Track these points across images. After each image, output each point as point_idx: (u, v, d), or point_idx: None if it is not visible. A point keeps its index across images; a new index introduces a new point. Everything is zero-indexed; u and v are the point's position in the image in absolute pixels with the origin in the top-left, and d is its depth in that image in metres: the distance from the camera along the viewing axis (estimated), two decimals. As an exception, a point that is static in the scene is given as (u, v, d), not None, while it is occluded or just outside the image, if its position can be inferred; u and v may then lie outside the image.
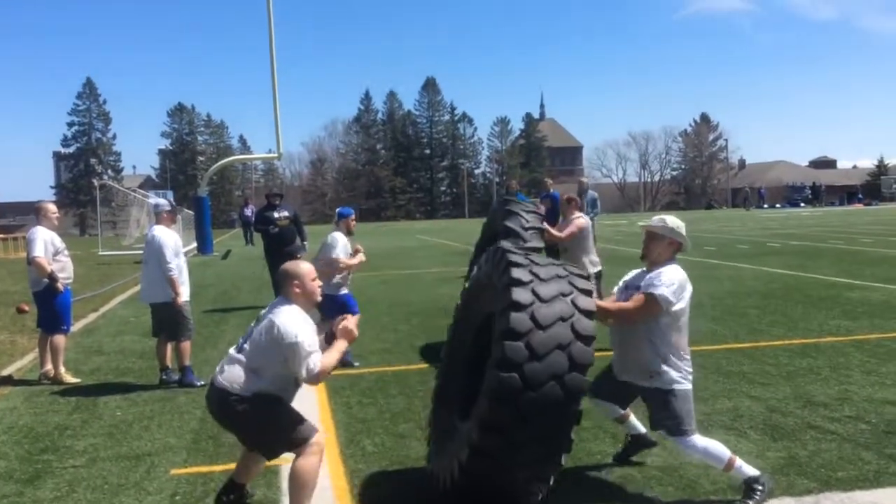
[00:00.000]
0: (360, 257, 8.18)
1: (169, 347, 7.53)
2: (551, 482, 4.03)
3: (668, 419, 4.35)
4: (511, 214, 8.32)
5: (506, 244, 4.50)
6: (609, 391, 4.72)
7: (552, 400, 3.75)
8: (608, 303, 4.59)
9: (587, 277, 4.12)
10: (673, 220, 4.57)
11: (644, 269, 4.60)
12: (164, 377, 7.46)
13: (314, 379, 4.04)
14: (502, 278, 4.03)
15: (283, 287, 4.23)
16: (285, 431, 4.06)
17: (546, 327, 3.80)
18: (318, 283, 4.31)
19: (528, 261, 4.08)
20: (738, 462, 4.31)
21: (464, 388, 4.50)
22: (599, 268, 8.73)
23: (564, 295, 3.92)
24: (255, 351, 4.08)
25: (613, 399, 4.75)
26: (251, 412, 4.02)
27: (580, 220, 8.76)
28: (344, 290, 8.11)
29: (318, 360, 4.00)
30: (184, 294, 7.45)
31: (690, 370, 4.47)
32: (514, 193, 16.19)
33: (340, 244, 8.09)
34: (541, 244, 8.29)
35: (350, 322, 4.26)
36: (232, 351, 4.22)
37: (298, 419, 4.14)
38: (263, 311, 4.24)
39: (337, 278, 8.02)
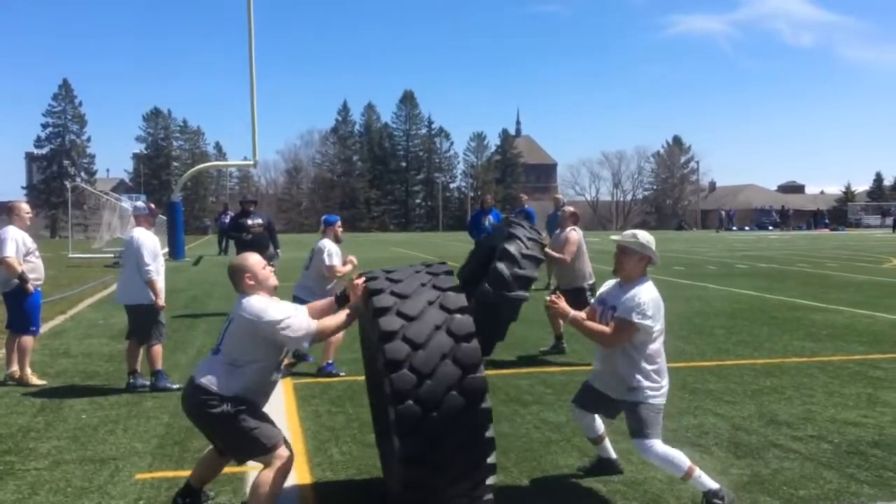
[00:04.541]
0: (350, 267, 8.22)
1: (140, 351, 7.47)
2: (492, 481, 3.98)
3: (634, 423, 4.46)
4: (512, 238, 8.15)
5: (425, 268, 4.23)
6: (593, 400, 4.77)
7: (456, 411, 3.68)
8: (591, 322, 4.63)
9: (450, 273, 4.07)
10: (644, 236, 4.65)
11: (617, 281, 4.68)
12: (131, 381, 7.38)
13: (317, 338, 4.12)
14: (368, 308, 3.96)
15: (237, 283, 4.25)
16: (256, 439, 4.05)
17: (423, 344, 3.71)
18: (270, 269, 4.34)
19: (388, 281, 3.99)
20: (698, 472, 4.39)
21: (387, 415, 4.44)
22: (592, 280, 8.78)
23: (431, 302, 3.85)
24: (235, 346, 4.09)
25: (599, 408, 4.80)
26: (226, 414, 4.01)
27: (572, 232, 8.83)
28: None
29: (305, 322, 4.06)
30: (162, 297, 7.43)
31: (666, 385, 4.55)
32: (488, 209, 16.24)
33: (334, 251, 8.15)
34: (535, 274, 8.22)
35: (361, 279, 4.22)
36: (210, 353, 4.24)
37: (270, 429, 4.13)
38: (231, 314, 4.25)
39: (327, 288, 8.08)
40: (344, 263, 8.21)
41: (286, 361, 4.95)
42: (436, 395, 3.66)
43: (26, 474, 5.10)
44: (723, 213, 69.43)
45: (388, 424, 4.40)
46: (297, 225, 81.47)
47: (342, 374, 7.98)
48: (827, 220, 66.42)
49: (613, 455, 5.00)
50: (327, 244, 8.21)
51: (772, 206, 78.30)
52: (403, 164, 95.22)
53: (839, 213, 75.73)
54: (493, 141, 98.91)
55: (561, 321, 8.97)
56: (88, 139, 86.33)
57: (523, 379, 7.80)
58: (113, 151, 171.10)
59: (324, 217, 8.73)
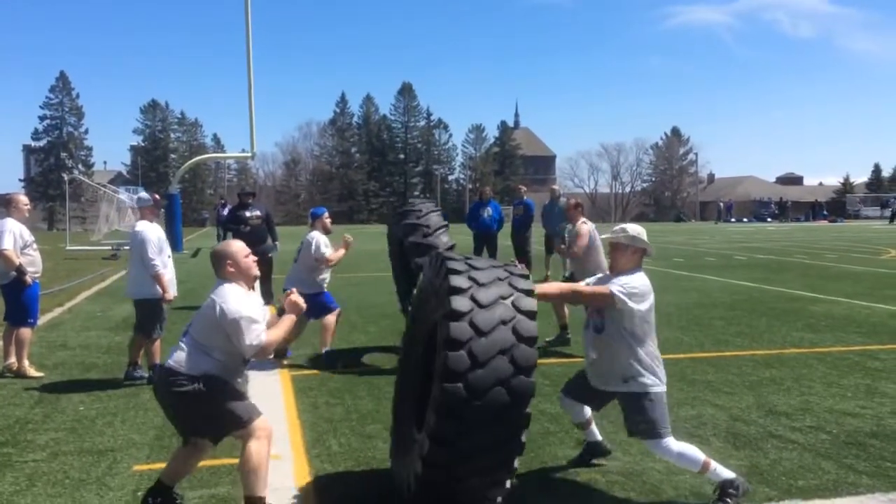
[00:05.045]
0: (342, 252, 8.23)
1: (142, 344, 7.45)
2: (508, 485, 4.04)
3: (642, 423, 4.42)
4: (412, 229, 7.97)
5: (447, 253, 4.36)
6: (582, 392, 4.78)
7: (499, 406, 3.72)
8: (555, 285, 4.65)
9: (527, 277, 4.11)
10: (634, 228, 4.65)
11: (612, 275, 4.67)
12: (129, 371, 7.39)
13: (259, 353, 4.09)
14: (442, 286, 4.00)
15: (218, 269, 4.24)
16: (231, 412, 4.03)
17: (487, 333, 3.76)
18: (253, 258, 4.34)
19: (468, 266, 4.04)
20: (714, 465, 4.38)
21: (418, 398, 4.49)
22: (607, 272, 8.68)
23: (504, 298, 3.89)
24: (202, 331, 4.10)
25: (587, 399, 4.80)
26: (198, 393, 3.98)
27: (585, 225, 8.62)
28: (324, 291, 8.19)
29: (261, 333, 4.05)
30: (171, 290, 7.39)
31: (663, 372, 4.54)
32: (487, 200, 16.22)
33: (322, 242, 8.17)
34: (451, 241, 8.05)
35: (295, 295, 4.34)
36: (180, 338, 4.22)
37: (243, 401, 4.13)
38: (207, 295, 4.24)
39: (318, 279, 8.14)
40: (337, 249, 8.25)
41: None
42: (483, 385, 3.71)
43: (24, 466, 5.10)
44: (721, 204, 69.42)
45: (416, 412, 4.41)
46: (295, 217, 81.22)
47: (339, 365, 7.98)
48: (825, 212, 66.29)
49: (599, 437, 5.04)
50: (316, 236, 8.23)
51: (770, 197, 78.08)
52: (402, 155, 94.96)
53: (838, 205, 75.58)
54: (492, 133, 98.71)
55: (566, 311, 9.00)
56: (86, 131, 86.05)
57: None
58: (110, 144, 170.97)
59: (311, 210, 8.79)
